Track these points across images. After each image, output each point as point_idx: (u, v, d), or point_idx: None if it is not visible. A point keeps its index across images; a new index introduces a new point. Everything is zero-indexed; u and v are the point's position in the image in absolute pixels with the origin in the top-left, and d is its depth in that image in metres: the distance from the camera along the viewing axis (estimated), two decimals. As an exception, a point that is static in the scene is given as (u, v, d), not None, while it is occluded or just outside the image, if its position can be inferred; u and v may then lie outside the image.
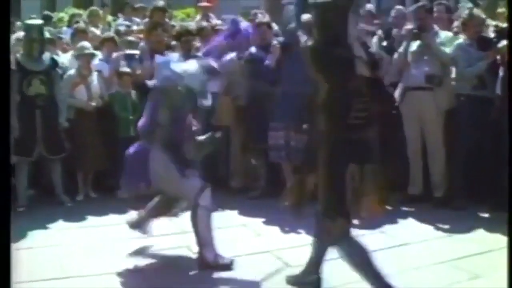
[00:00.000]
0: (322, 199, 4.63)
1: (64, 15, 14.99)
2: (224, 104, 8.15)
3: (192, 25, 9.64)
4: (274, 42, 8.07)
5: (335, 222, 4.57)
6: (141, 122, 5.96)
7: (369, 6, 10.26)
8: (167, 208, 6.28)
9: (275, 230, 6.85)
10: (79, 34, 8.87)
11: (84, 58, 8.12)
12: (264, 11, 10.34)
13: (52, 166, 7.98)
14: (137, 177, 5.76)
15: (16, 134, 7.53)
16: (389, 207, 7.74)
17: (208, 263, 5.71)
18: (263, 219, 7.16)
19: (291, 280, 5.33)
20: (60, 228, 7.09)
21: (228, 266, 5.71)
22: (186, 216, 7.30)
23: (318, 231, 4.93)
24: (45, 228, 7.00)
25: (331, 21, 4.56)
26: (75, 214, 7.48)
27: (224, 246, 6.13)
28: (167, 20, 9.31)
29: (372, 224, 6.94)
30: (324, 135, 4.59)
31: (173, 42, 8.62)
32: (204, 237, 5.74)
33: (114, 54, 8.67)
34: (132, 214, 7.47)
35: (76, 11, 14.47)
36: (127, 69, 8.41)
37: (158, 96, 5.80)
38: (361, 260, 4.67)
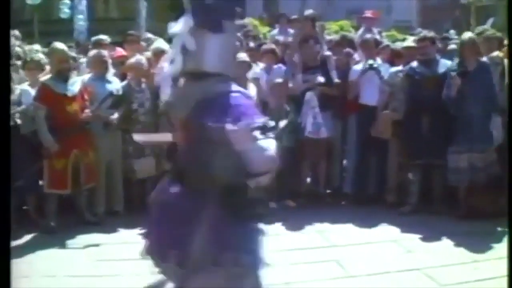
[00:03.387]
0: None
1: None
2: (383, 116, 8.04)
3: (355, 37, 9.92)
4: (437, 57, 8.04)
5: None
6: None
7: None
8: None
9: (426, 247, 6.63)
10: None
11: (242, 67, 8.13)
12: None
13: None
14: None
15: None
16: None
17: None
18: (414, 236, 6.94)
19: None
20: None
21: None
22: (336, 230, 7.26)
23: None
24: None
25: None
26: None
27: (373, 262, 6.04)
28: (317, 30, 9.20)
29: None
30: None
31: (327, 52, 8.66)
32: None
33: (275, 66, 8.81)
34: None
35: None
36: (280, 80, 8.44)
37: None
38: None
